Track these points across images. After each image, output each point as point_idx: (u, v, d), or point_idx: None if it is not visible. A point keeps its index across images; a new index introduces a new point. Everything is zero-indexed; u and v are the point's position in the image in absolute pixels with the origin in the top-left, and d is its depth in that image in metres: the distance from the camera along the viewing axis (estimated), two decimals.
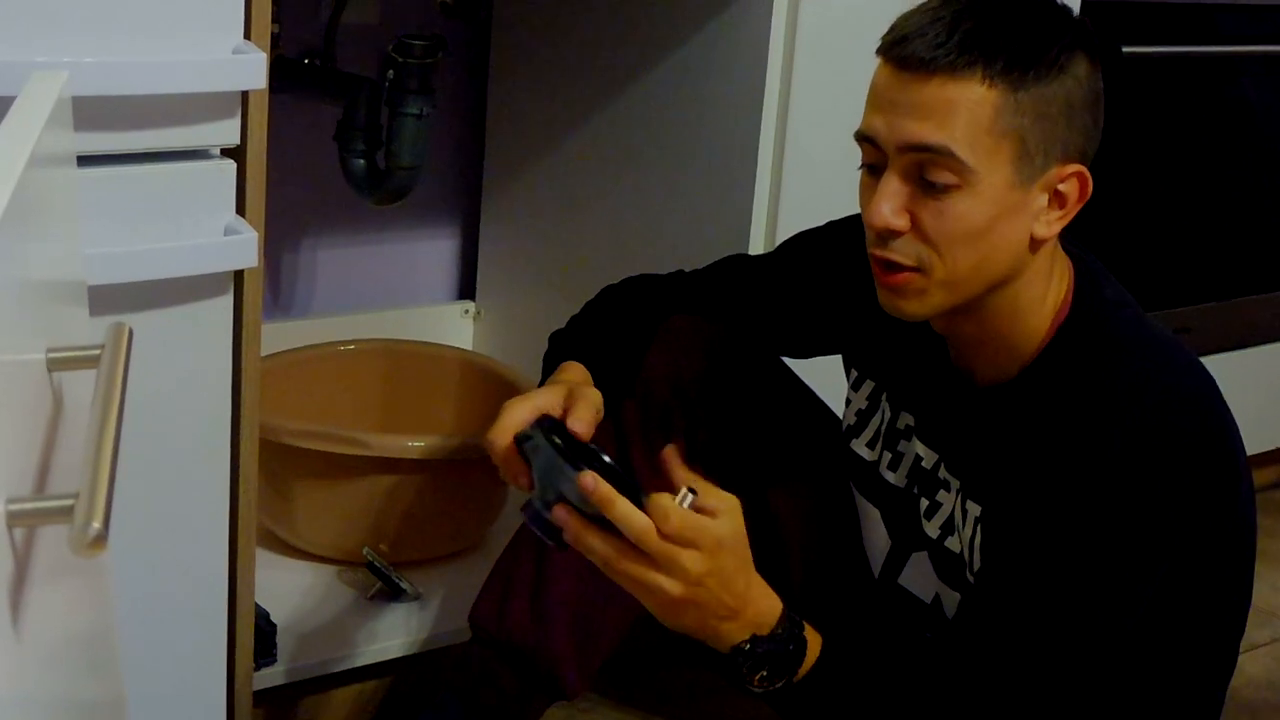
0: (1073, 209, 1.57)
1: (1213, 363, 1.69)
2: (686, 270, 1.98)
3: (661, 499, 1.46)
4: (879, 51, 1.55)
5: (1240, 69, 2.80)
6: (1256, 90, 2.85)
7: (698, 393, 1.87)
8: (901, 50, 1.52)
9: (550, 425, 1.60)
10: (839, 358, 1.94)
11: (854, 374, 1.88)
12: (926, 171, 1.52)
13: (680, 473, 1.53)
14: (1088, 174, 1.56)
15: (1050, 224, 1.57)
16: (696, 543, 1.46)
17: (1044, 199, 1.55)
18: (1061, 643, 1.56)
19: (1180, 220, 2.79)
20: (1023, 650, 1.56)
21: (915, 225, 1.54)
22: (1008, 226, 1.54)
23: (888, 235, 1.55)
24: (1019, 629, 1.56)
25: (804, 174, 2.18)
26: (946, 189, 1.52)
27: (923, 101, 1.51)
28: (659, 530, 1.45)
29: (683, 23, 2.25)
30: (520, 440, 1.61)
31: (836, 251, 1.86)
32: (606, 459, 1.53)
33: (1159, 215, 2.76)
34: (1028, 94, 1.51)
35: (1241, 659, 1.74)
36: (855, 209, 1.86)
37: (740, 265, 1.97)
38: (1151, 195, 2.71)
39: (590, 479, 1.46)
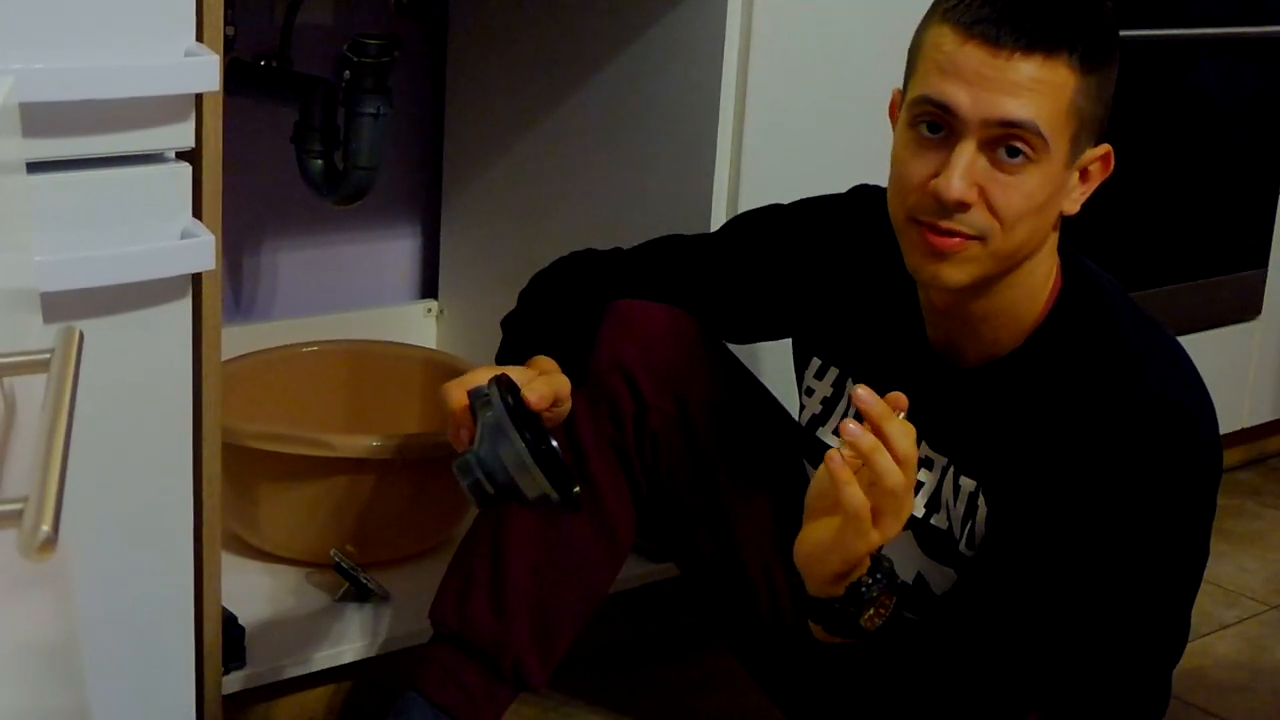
0: (1093, 186, 1.64)
1: None
2: (623, 249, 1.98)
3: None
4: (955, 22, 1.57)
5: (1198, 52, 2.81)
6: (1215, 73, 2.86)
7: (645, 379, 1.87)
8: (994, 28, 1.55)
9: (508, 388, 1.61)
10: (787, 348, 1.94)
11: (816, 362, 1.88)
12: (1003, 146, 1.56)
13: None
14: (1112, 153, 1.64)
15: (1076, 201, 1.64)
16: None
17: (1076, 177, 1.62)
18: (1084, 605, 1.63)
19: (1139, 204, 2.80)
20: (1041, 607, 1.62)
21: (983, 197, 1.57)
22: (1053, 203, 1.61)
23: (956, 208, 1.57)
24: (1042, 592, 1.61)
25: (763, 163, 2.19)
26: (1019, 165, 1.56)
27: (1017, 80, 1.54)
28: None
29: (639, 17, 2.25)
30: (474, 397, 1.62)
31: (802, 234, 1.86)
32: (553, 443, 1.55)
33: (1118, 199, 2.76)
34: (1095, 80, 1.58)
35: (1210, 639, 1.75)
36: (816, 193, 1.88)
37: (680, 245, 1.96)
38: (1111, 179, 2.71)
39: (863, 390, 1.51)
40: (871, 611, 1.59)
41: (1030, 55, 1.54)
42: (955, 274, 1.61)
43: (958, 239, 1.58)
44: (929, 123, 1.58)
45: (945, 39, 1.57)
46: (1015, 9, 1.55)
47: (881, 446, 1.51)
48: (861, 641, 1.61)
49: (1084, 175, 1.63)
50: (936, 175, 1.57)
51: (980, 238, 1.58)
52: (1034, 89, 1.54)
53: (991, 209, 1.57)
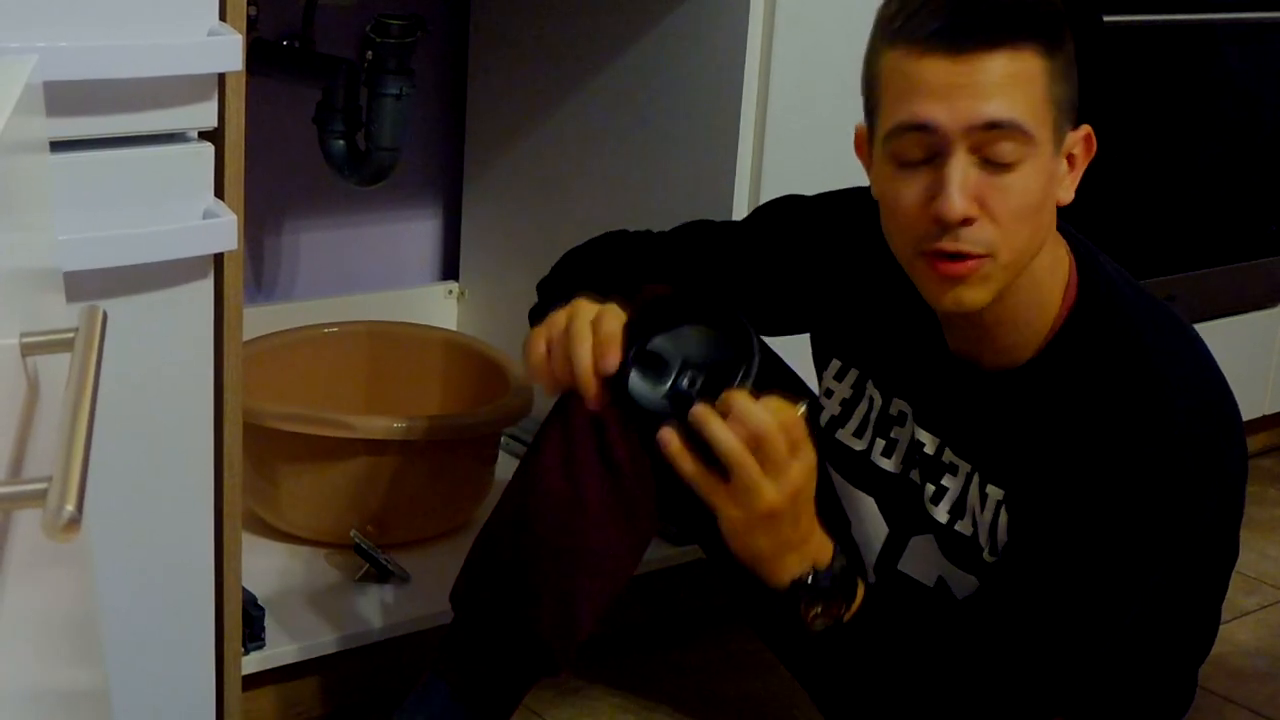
0: (1080, 170, 1.59)
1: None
2: (655, 231, 1.97)
3: (785, 407, 1.50)
4: (908, 40, 1.52)
5: (1222, 37, 2.79)
6: (1238, 58, 2.85)
7: None
8: (950, 35, 1.49)
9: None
10: (807, 346, 1.93)
11: (835, 364, 1.86)
12: (992, 150, 1.50)
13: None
14: (1093, 133, 1.59)
15: (1069, 188, 1.58)
16: (802, 455, 1.51)
17: (1064, 164, 1.57)
18: (1108, 614, 1.61)
19: (1162, 189, 2.79)
20: (1064, 618, 1.60)
21: (983, 208, 1.52)
22: (1050, 197, 1.56)
23: (962, 225, 1.52)
24: (1064, 601, 1.59)
25: (786, 145, 2.18)
26: (1011, 166, 1.51)
27: (987, 80, 1.49)
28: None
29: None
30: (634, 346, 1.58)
31: (822, 229, 1.84)
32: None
33: (1141, 185, 2.75)
34: (1060, 59, 1.52)
35: (1230, 626, 1.75)
36: (837, 184, 1.87)
37: (708, 232, 1.95)
38: (1133, 165, 2.71)
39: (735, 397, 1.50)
40: (816, 611, 1.58)
41: (995, 52, 1.49)
42: (974, 295, 1.56)
43: (970, 261, 1.53)
44: (912, 149, 1.53)
45: (901, 61, 1.52)
46: (964, 11, 1.50)
47: (712, 414, 1.50)
48: (812, 637, 1.60)
49: (1070, 160, 1.58)
50: (932, 199, 1.51)
51: (989, 254, 1.53)
52: (1007, 84, 1.49)
53: (993, 217, 1.52)
